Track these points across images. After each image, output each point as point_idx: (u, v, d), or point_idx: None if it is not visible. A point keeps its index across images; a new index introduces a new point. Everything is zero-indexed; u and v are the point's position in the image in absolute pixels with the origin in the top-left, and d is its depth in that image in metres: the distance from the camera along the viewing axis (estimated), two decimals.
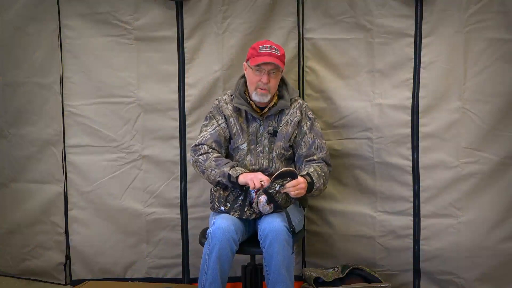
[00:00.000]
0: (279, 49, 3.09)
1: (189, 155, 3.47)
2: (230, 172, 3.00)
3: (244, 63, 3.15)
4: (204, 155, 3.10)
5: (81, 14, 3.49)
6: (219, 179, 3.04)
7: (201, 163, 3.09)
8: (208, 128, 3.16)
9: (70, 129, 3.58)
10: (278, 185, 2.91)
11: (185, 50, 3.48)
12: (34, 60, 3.58)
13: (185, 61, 3.49)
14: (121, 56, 3.51)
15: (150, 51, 3.50)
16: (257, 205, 2.94)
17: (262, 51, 3.06)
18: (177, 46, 3.48)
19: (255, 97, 3.11)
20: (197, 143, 3.15)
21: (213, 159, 3.07)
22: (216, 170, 3.04)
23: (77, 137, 3.58)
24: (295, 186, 2.92)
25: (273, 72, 3.07)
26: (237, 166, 3.07)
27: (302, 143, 3.16)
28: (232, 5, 3.44)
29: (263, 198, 2.91)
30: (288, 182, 2.91)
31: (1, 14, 3.58)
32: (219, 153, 3.14)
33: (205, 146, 3.12)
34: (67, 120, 3.58)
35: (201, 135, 3.17)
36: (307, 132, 3.17)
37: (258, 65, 3.05)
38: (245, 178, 2.97)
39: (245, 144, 3.14)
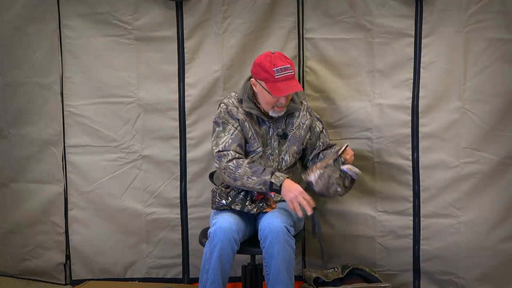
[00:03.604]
0: (290, 64, 2.99)
1: (189, 154, 3.51)
2: (273, 180, 2.92)
3: (253, 80, 3.06)
4: (234, 161, 2.99)
5: (81, 14, 3.49)
6: (259, 187, 2.96)
7: (232, 170, 2.98)
8: (226, 133, 3.06)
9: (70, 129, 3.58)
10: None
11: (185, 50, 3.48)
12: (34, 60, 3.58)
13: (185, 61, 3.49)
14: (121, 56, 3.51)
15: (150, 51, 3.50)
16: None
17: (279, 76, 2.95)
18: (177, 46, 3.48)
19: (273, 114, 3.05)
20: (220, 149, 3.02)
21: (247, 166, 2.97)
22: (254, 178, 2.94)
23: (77, 137, 3.58)
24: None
25: None
26: (275, 171, 2.98)
27: (320, 143, 3.18)
28: (232, 5, 3.44)
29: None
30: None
31: (1, 14, 3.58)
32: (244, 157, 3.06)
33: (231, 152, 3.00)
34: (67, 120, 3.58)
35: (222, 140, 3.05)
36: (324, 133, 3.21)
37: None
38: (286, 195, 2.92)
39: (261, 148, 3.10)
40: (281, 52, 3.09)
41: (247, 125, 3.08)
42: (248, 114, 3.09)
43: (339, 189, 2.95)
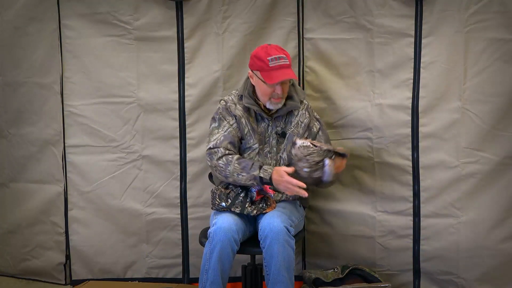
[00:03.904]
0: (286, 55, 3.02)
1: (189, 154, 3.51)
2: (261, 175, 2.93)
3: (250, 71, 3.09)
4: (224, 158, 3.01)
5: (81, 14, 3.50)
6: (250, 183, 2.98)
7: (222, 167, 3.01)
8: (220, 130, 3.09)
9: (70, 129, 3.59)
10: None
11: (185, 50, 3.48)
12: (34, 60, 3.58)
13: (185, 61, 3.49)
14: (121, 56, 3.51)
15: (150, 51, 3.50)
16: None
17: (273, 65, 2.98)
18: (177, 46, 3.48)
19: (270, 106, 3.07)
20: (211, 146, 3.06)
21: (236, 162, 2.99)
22: (244, 174, 2.96)
23: (77, 137, 3.58)
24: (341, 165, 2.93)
25: (285, 83, 3.04)
26: (263, 165, 2.99)
27: None
28: (232, 5, 3.44)
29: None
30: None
31: (1, 14, 3.58)
32: (235, 154, 3.08)
33: (221, 149, 3.03)
34: (67, 120, 3.58)
35: (214, 137, 3.08)
36: (320, 133, 3.18)
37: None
38: (278, 187, 2.93)
39: (257, 144, 3.11)
40: (278, 45, 3.11)
41: (244, 121, 3.10)
42: (246, 110, 3.11)
43: (305, 170, 2.89)
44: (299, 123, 3.15)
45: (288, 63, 3.01)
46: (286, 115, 3.15)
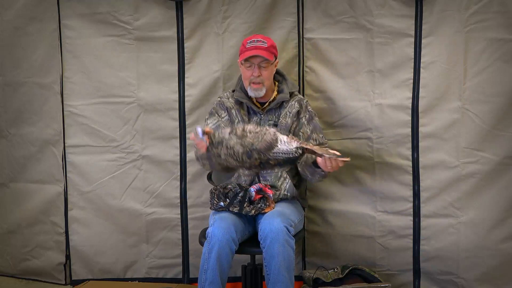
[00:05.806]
0: (266, 41, 3.11)
1: (189, 154, 3.54)
2: None
3: (238, 61, 3.17)
4: None
5: (81, 14, 3.50)
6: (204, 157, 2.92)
7: (196, 152, 3.06)
8: (209, 123, 3.17)
9: (70, 129, 3.59)
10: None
11: (185, 50, 3.48)
12: (34, 60, 3.59)
13: (185, 61, 3.49)
14: (121, 56, 3.51)
15: (150, 51, 3.50)
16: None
17: (249, 46, 3.08)
18: (177, 46, 3.49)
19: (250, 92, 3.12)
20: None
21: None
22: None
23: (77, 137, 3.58)
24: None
25: (263, 66, 3.08)
26: None
27: (300, 133, 3.15)
28: (232, 5, 3.45)
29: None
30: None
31: (1, 14, 3.59)
32: None
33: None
34: (67, 120, 3.58)
35: None
36: (305, 124, 3.17)
37: (246, 60, 3.07)
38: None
39: None
40: (276, 43, 3.19)
41: (234, 113, 3.16)
42: (238, 103, 3.17)
43: (238, 149, 2.74)
44: (288, 113, 3.16)
45: (266, 46, 3.08)
46: (278, 108, 3.17)
